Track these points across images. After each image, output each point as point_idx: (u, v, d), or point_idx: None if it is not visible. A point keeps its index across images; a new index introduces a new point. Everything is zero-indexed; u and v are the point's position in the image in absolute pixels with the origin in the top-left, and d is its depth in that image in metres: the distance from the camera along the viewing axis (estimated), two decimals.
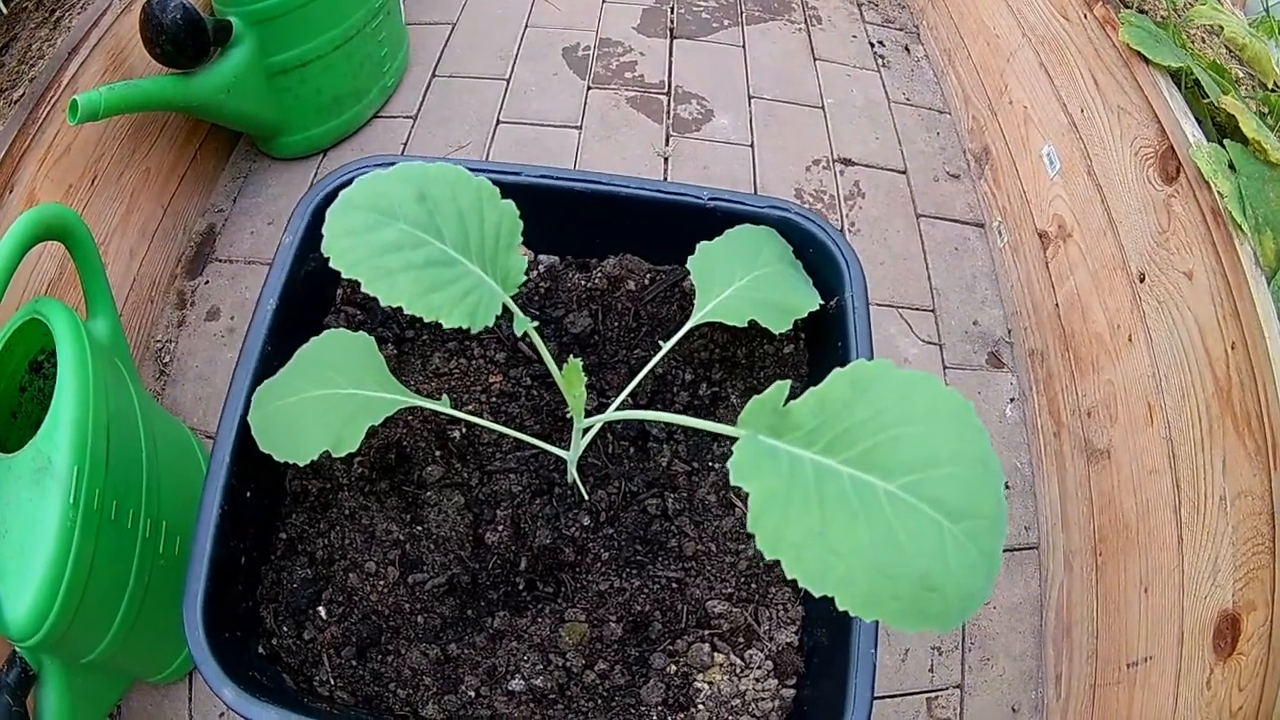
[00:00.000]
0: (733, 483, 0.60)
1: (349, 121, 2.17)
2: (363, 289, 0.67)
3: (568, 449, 0.94)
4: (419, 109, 2.30)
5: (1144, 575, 1.35)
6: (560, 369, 0.81)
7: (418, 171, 0.75)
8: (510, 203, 0.80)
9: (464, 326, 0.68)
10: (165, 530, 1.21)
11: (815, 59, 2.57)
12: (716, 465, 1.02)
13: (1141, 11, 1.65)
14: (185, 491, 1.31)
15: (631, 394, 0.98)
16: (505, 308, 0.76)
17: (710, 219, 1.05)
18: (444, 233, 0.73)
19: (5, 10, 1.66)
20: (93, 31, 1.55)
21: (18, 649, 1.05)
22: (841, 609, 0.56)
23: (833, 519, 0.58)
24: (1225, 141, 1.35)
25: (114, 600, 1.11)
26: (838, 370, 0.63)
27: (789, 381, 0.63)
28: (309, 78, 1.97)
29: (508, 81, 2.40)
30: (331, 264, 0.69)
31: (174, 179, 1.92)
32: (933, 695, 1.53)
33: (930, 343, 1.96)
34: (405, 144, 2.22)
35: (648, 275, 1.14)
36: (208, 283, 1.94)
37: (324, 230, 0.71)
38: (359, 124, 2.21)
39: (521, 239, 0.82)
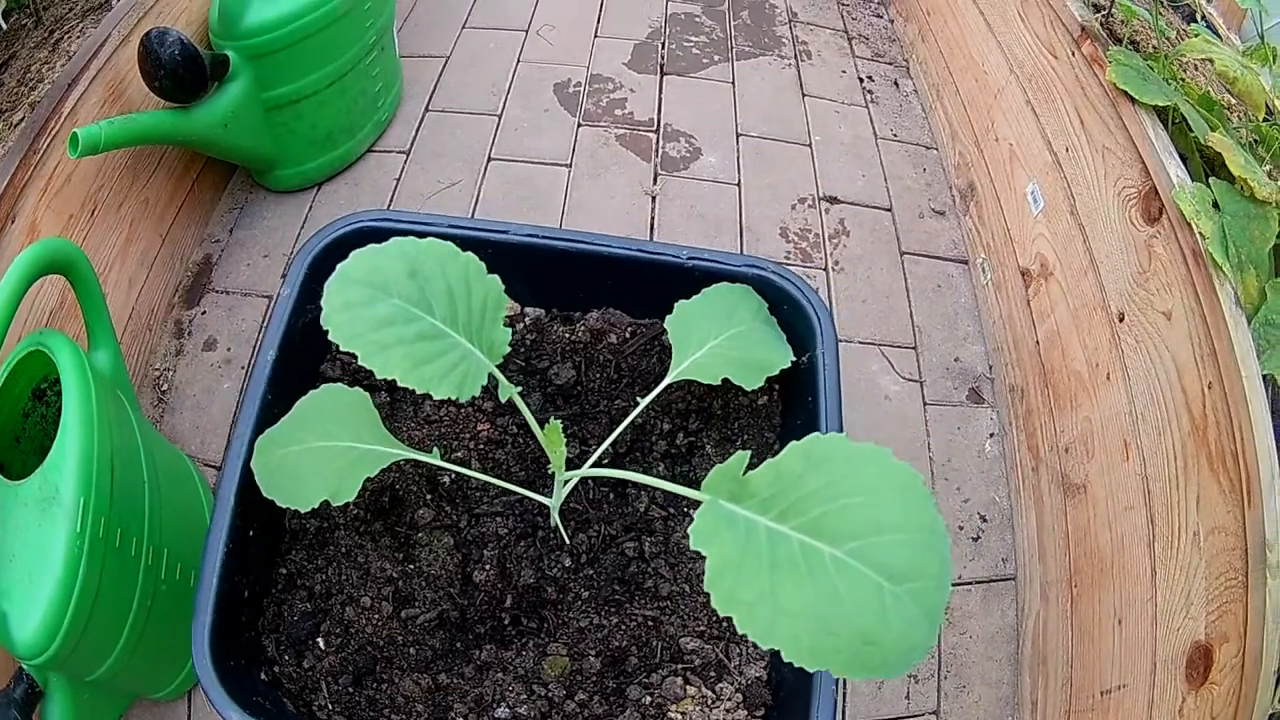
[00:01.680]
0: (693, 547, 0.66)
1: (343, 156, 2.19)
2: (359, 361, 0.73)
3: (551, 496, 0.99)
4: (412, 144, 2.32)
5: (1118, 607, 1.38)
6: (542, 428, 0.86)
7: (410, 248, 0.81)
8: (495, 278, 0.85)
9: (452, 397, 0.73)
10: (166, 557, 1.24)
11: (804, 95, 2.60)
12: (691, 511, 1.06)
13: (1133, 44, 1.63)
14: (185, 519, 1.34)
15: (612, 444, 1.04)
16: (491, 376, 0.82)
17: (689, 276, 1.10)
18: (434, 308, 0.79)
19: (4, 26, 1.68)
20: (92, 62, 1.56)
21: (25, 666, 1.09)
22: (787, 660, 0.62)
23: (782, 581, 0.64)
24: (1211, 179, 1.34)
25: (118, 622, 1.14)
26: (793, 444, 0.69)
27: (749, 452, 0.69)
28: (304, 113, 1.99)
29: (499, 117, 2.42)
30: (330, 336, 0.74)
31: (172, 209, 1.94)
32: None
33: (911, 380, 1.98)
34: (398, 179, 2.24)
35: (629, 329, 1.18)
36: (205, 313, 1.97)
37: (323, 302, 0.77)
38: (353, 158, 2.23)
39: (508, 301, 0.88)
